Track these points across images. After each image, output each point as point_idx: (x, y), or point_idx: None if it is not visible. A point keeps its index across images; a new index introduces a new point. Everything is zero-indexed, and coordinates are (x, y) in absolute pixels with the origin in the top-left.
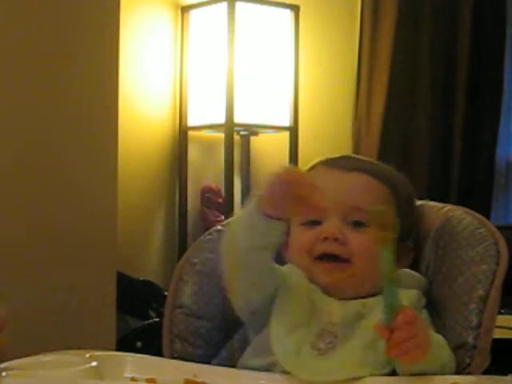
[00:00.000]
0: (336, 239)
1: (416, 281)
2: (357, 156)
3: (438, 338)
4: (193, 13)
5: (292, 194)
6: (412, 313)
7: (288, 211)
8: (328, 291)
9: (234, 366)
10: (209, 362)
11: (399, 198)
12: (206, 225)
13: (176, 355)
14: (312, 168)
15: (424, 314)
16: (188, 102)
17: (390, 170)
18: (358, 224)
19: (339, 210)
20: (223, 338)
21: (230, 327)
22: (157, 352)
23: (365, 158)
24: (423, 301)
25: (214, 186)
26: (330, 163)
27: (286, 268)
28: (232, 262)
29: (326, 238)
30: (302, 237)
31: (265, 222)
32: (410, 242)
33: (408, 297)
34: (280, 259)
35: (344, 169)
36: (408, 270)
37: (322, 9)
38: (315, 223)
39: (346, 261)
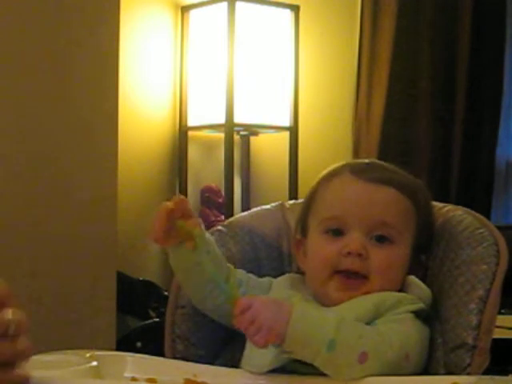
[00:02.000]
0: (359, 255)
1: (419, 291)
2: (383, 164)
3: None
4: (193, 13)
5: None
6: (243, 301)
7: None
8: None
9: (235, 367)
10: (211, 363)
11: (420, 211)
12: (205, 225)
13: (178, 355)
14: (336, 174)
15: (404, 316)
16: (188, 102)
17: (412, 181)
18: (381, 238)
19: (364, 223)
20: (225, 338)
21: (231, 328)
22: (157, 352)
23: (390, 167)
24: (411, 306)
25: (214, 186)
26: (358, 172)
27: (279, 280)
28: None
29: (349, 253)
30: (324, 249)
31: (171, 250)
32: (423, 256)
33: (379, 298)
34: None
35: (372, 181)
36: (414, 279)
37: (322, 9)
38: (337, 232)
39: (364, 277)
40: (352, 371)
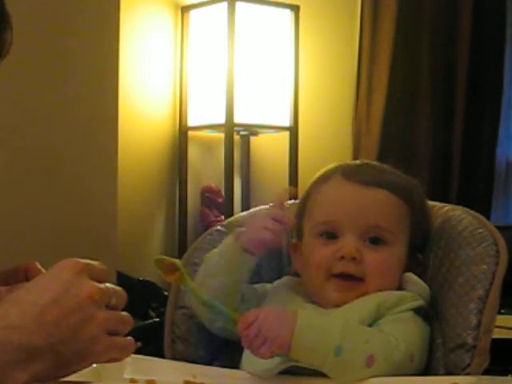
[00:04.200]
0: (353, 258)
1: (417, 288)
2: (375, 165)
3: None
4: (193, 13)
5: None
6: (249, 315)
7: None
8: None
9: (234, 368)
10: (210, 364)
11: (414, 211)
12: (205, 225)
13: (177, 356)
14: (328, 177)
15: (406, 314)
16: (188, 102)
17: (406, 181)
18: (375, 240)
19: (358, 226)
20: (225, 339)
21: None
22: (157, 352)
23: (382, 167)
24: (412, 304)
25: (213, 186)
26: (349, 175)
27: (278, 284)
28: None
29: (342, 257)
30: (318, 253)
31: (242, 256)
32: (421, 256)
33: (377, 298)
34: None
35: (363, 183)
36: (412, 276)
37: (322, 9)
38: (331, 236)
39: (360, 279)
40: (360, 375)
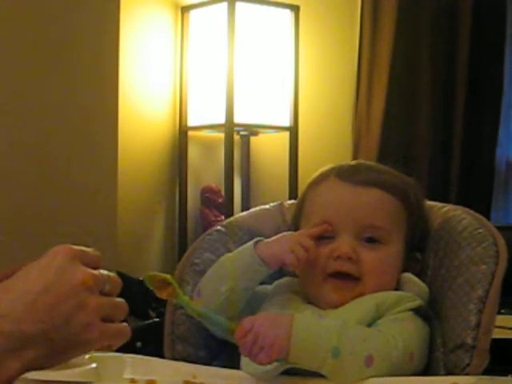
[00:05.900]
0: (349, 258)
1: (416, 288)
2: (370, 165)
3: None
4: (193, 13)
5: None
6: (244, 324)
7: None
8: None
9: (234, 368)
10: (210, 364)
11: (411, 210)
12: (205, 225)
13: (177, 356)
14: (323, 178)
15: (405, 314)
16: (188, 102)
17: (402, 180)
18: (371, 240)
19: (353, 227)
20: (224, 339)
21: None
22: (157, 352)
23: (377, 167)
24: (410, 304)
25: (213, 186)
26: (344, 175)
27: (278, 284)
28: (211, 301)
29: (338, 257)
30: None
31: (258, 266)
32: (419, 254)
33: (375, 299)
34: None
35: (358, 183)
36: (411, 276)
37: (322, 9)
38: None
39: (357, 278)
40: (360, 375)
